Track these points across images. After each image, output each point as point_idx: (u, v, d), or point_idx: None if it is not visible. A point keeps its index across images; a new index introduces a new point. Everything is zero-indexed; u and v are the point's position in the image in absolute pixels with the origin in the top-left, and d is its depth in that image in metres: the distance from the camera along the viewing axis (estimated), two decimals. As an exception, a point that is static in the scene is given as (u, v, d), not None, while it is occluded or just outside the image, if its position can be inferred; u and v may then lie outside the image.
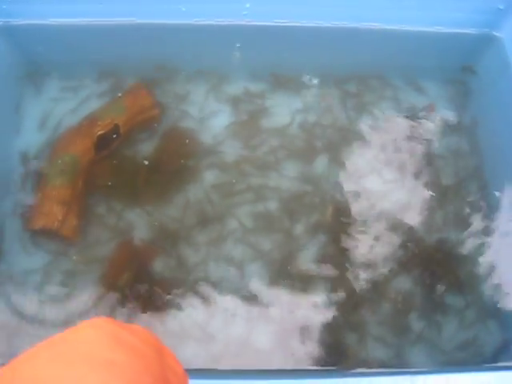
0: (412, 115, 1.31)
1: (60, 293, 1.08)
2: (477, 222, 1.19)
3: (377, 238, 1.16)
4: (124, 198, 1.18)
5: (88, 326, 0.38)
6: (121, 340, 0.38)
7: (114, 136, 1.21)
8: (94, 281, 1.09)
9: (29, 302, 1.07)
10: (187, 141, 1.25)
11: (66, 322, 1.04)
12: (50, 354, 0.35)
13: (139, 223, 1.16)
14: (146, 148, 1.24)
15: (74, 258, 1.12)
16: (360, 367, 1.03)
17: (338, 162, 1.24)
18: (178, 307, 1.07)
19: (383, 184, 1.22)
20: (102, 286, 1.09)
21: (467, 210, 1.21)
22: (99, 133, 1.19)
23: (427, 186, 1.22)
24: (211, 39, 1.33)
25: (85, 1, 1.26)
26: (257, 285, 1.10)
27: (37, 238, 1.13)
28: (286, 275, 1.12)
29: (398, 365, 1.04)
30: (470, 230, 1.18)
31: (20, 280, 1.10)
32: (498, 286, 1.12)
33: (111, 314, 1.06)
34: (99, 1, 1.26)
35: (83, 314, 1.05)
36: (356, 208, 1.19)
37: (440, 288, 1.12)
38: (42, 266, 1.11)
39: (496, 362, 1.05)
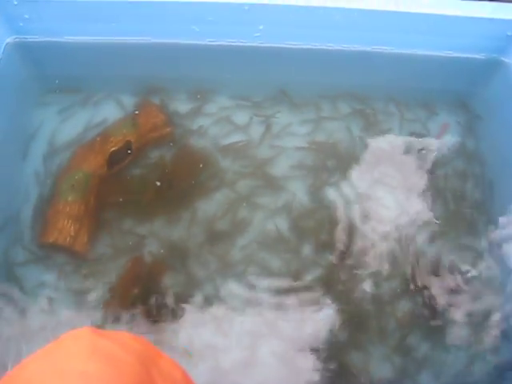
0: (420, 138, 1.32)
1: (70, 307, 1.09)
2: (482, 248, 1.20)
3: (383, 258, 1.17)
4: (135, 215, 1.19)
5: (68, 339, 0.39)
6: (97, 349, 0.38)
7: (127, 153, 1.22)
8: (104, 296, 1.10)
9: (38, 315, 1.08)
10: (198, 159, 1.26)
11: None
12: (33, 368, 0.37)
13: (149, 240, 1.17)
14: (157, 165, 1.25)
15: (85, 272, 1.13)
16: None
17: (346, 182, 1.25)
18: (187, 323, 1.08)
19: (391, 205, 1.23)
20: (111, 302, 1.09)
21: (473, 235, 1.22)
22: (112, 149, 1.21)
23: (434, 208, 1.23)
24: (224, 60, 1.34)
25: (98, 20, 1.28)
26: (263, 302, 1.11)
27: (48, 252, 1.14)
28: (293, 293, 1.12)
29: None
30: (474, 254, 1.19)
31: (31, 293, 1.11)
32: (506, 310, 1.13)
33: (120, 328, 1.06)
34: (113, 20, 1.27)
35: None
36: (363, 228, 1.20)
37: (446, 311, 1.13)
38: (53, 281, 1.12)
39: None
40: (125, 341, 0.42)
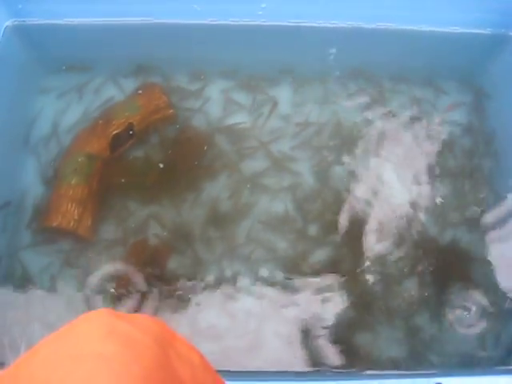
0: (427, 115, 1.31)
1: (75, 291, 1.09)
2: (489, 224, 1.19)
3: (390, 238, 1.16)
4: (138, 197, 1.19)
5: (84, 320, 0.39)
6: (114, 331, 0.38)
7: (130, 135, 1.21)
8: (109, 279, 1.10)
9: (43, 299, 1.08)
10: (202, 140, 1.25)
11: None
12: (46, 352, 0.36)
13: (154, 222, 1.16)
14: (160, 147, 1.24)
15: (89, 256, 1.12)
16: (372, 369, 1.03)
17: (351, 161, 1.24)
18: (192, 305, 1.08)
19: (397, 185, 1.22)
20: (116, 285, 1.09)
21: (480, 211, 1.20)
22: (114, 132, 1.20)
23: (441, 186, 1.22)
24: (226, 39, 1.32)
25: (98, 0, 1.26)
26: (270, 283, 1.11)
27: (52, 236, 1.14)
28: (299, 274, 1.12)
29: (412, 366, 1.04)
30: (482, 230, 1.18)
31: (35, 278, 1.11)
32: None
33: (126, 311, 1.06)
34: (113, 0, 1.26)
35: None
36: (369, 208, 1.19)
37: (453, 288, 1.12)
38: (57, 265, 1.12)
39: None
40: (142, 322, 0.42)
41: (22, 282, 1.10)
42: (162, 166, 1.21)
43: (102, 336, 0.37)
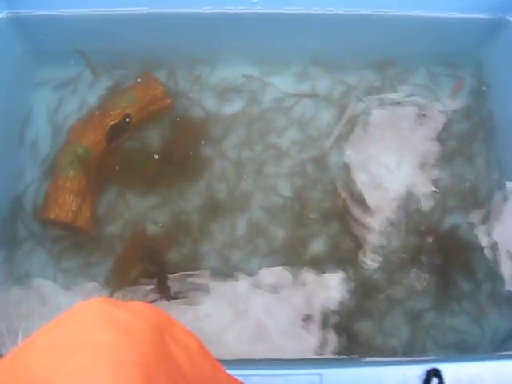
0: (425, 101, 1.30)
1: (74, 283, 1.10)
2: (489, 209, 1.19)
3: (389, 225, 1.16)
4: (136, 188, 1.19)
5: (80, 309, 0.39)
6: (110, 319, 0.38)
7: (127, 126, 1.21)
8: (108, 271, 1.11)
9: (42, 292, 1.09)
10: (199, 130, 1.25)
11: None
12: (43, 342, 0.36)
13: (152, 213, 1.16)
14: (157, 138, 1.24)
15: (88, 248, 1.13)
16: (372, 355, 1.03)
17: (350, 148, 1.24)
18: (192, 296, 1.08)
19: (395, 170, 1.22)
20: (115, 276, 1.10)
21: (479, 197, 1.21)
22: (111, 123, 1.19)
23: (440, 171, 1.22)
24: (221, 28, 1.31)
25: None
26: (270, 272, 1.11)
27: (50, 229, 1.14)
28: (300, 263, 1.12)
29: (411, 353, 1.05)
30: (481, 216, 1.18)
31: (34, 271, 1.11)
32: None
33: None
34: (109, -9, 1.25)
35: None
36: (368, 194, 1.19)
37: (452, 274, 1.12)
38: (56, 257, 1.12)
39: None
40: (138, 309, 0.42)
41: (22, 274, 1.11)
42: (157, 157, 1.21)
43: (98, 324, 0.37)
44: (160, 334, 0.40)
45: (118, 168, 1.19)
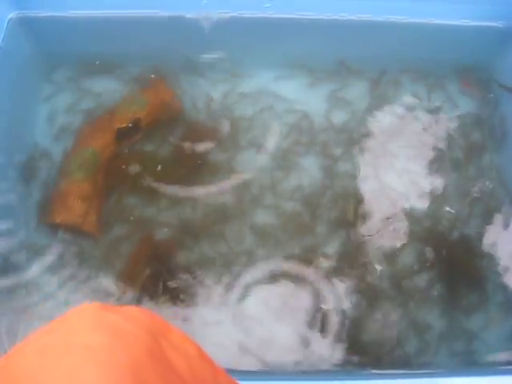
0: (435, 108, 1.29)
1: (80, 287, 1.08)
2: (498, 218, 1.18)
3: (398, 232, 1.15)
4: (144, 193, 1.17)
5: (73, 313, 0.39)
6: (102, 323, 0.38)
7: (135, 129, 1.20)
8: (115, 276, 1.09)
9: (48, 297, 1.07)
10: (209, 135, 1.24)
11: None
12: (36, 345, 0.37)
13: (160, 218, 1.15)
14: (166, 142, 1.23)
15: (94, 252, 1.11)
16: (380, 367, 1.02)
17: (359, 155, 1.23)
18: (199, 301, 1.07)
19: (405, 179, 1.20)
20: (122, 281, 1.08)
21: (490, 205, 1.19)
22: (120, 127, 1.18)
23: (450, 179, 1.21)
24: (234, 32, 1.31)
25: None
26: (278, 280, 1.10)
27: (57, 232, 1.13)
28: (308, 270, 1.11)
29: (420, 365, 1.03)
30: (490, 225, 1.17)
31: (40, 275, 1.09)
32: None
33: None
34: (118, -7, 1.24)
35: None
36: (378, 202, 1.18)
37: (461, 283, 1.11)
38: (63, 261, 1.11)
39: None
40: (132, 314, 0.41)
41: (27, 276, 1.09)
42: (168, 161, 1.20)
43: (90, 328, 0.37)
44: (155, 338, 0.40)
45: (126, 172, 1.18)
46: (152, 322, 0.42)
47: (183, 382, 0.40)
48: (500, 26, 1.31)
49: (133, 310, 0.42)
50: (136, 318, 0.41)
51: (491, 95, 1.31)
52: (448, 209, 1.18)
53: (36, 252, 1.12)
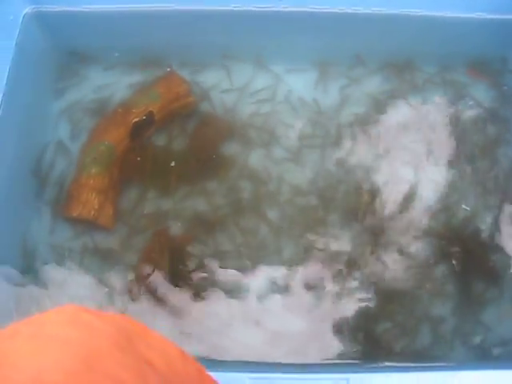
0: (450, 103, 1.29)
1: (95, 281, 1.09)
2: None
3: (411, 226, 1.15)
4: (159, 186, 1.18)
5: (54, 310, 0.41)
6: (77, 320, 0.40)
7: (150, 123, 1.20)
8: (130, 269, 1.10)
9: (64, 290, 1.08)
10: (223, 129, 1.24)
11: (100, 308, 1.05)
12: (10, 330, 0.39)
13: (174, 211, 1.16)
14: (181, 136, 1.24)
15: (110, 246, 1.13)
16: (391, 360, 1.02)
17: (373, 148, 1.23)
18: (213, 295, 1.08)
19: (418, 171, 1.20)
20: (137, 274, 1.09)
21: (504, 199, 1.19)
22: (134, 120, 1.19)
23: (464, 172, 1.21)
24: (249, 26, 1.30)
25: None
26: (291, 273, 1.10)
27: (73, 225, 1.14)
28: (320, 264, 1.11)
29: (433, 358, 1.03)
30: (506, 218, 1.16)
31: (55, 269, 1.11)
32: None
33: (145, 301, 1.07)
34: (132, -13, 1.24)
35: (117, 301, 1.07)
36: (390, 196, 1.18)
37: (475, 278, 1.11)
38: (78, 255, 1.12)
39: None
40: (108, 316, 0.44)
41: (42, 270, 1.10)
42: (182, 154, 1.20)
43: (63, 322, 0.40)
44: (127, 336, 0.42)
45: (140, 166, 1.19)
46: (128, 324, 0.44)
47: (160, 375, 0.41)
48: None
49: (111, 314, 0.44)
50: (112, 320, 0.43)
51: (505, 87, 1.31)
52: (462, 203, 1.17)
53: (53, 247, 1.13)
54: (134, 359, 0.40)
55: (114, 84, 1.29)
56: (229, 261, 1.11)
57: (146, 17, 1.26)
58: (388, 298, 1.09)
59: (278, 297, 1.08)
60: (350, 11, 1.26)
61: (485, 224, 1.16)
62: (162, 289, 1.08)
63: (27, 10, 1.24)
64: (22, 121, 1.19)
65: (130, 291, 1.08)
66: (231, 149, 1.23)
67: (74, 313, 0.41)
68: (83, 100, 1.28)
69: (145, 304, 1.07)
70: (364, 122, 1.26)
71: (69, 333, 0.39)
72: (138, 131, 1.19)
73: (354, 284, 1.09)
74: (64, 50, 1.32)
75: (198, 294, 1.08)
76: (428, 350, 1.05)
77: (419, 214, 1.16)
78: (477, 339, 1.06)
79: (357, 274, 1.10)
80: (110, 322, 0.42)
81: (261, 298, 1.08)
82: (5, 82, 1.13)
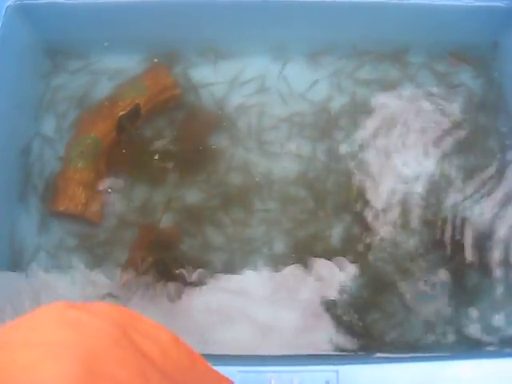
0: (438, 93, 1.28)
1: (83, 276, 1.08)
2: (506, 200, 1.16)
3: (404, 217, 1.14)
4: (146, 180, 1.17)
5: (39, 311, 0.40)
6: (65, 320, 0.39)
7: (136, 116, 1.19)
8: (118, 264, 1.09)
9: (51, 285, 1.07)
10: (211, 121, 1.23)
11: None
12: (1, 339, 0.38)
13: (162, 205, 1.15)
14: (168, 128, 1.22)
15: (97, 240, 1.12)
16: (383, 351, 1.01)
17: (365, 139, 1.22)
18: (203, 289, 1.07)
19: (409, 163, 1.19)
20: (125, 269, 1.08)
21: (497, 188, 1.18)
22: (120, 113, 1.18)
23: (454, 165, 1.20)
24: (233, 17, 1.29)
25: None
26: (282, 265, 1.09)
27: (59, 220, 1.13)
28: (312, 256, 1.10)
29: (425, 348, 1.03)
30: (497, 211, 1.15)
31: (43, 265, 1.10)
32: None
33: (134, 296, 1.06)
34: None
35: (106, 297, 1.06)
36: (383, 186, 1.17)
37: (468, 269, 1.10)
38: (66, 250, 1.11)
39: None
40: (98, 309, 0.43)
41: (30, 267, 1.09)
42: (169, 147, 1.20)
43: (53, 325, 0.39)
44: (122, 329, 0.41)
45: (127, 159, 1.18)
46: (120, 314, 0.43)
47: (157, 368, 0.41)
48: (503, 5, 1.29)
49: (100, 306, 0.43)
50: (101, 313, 0.42)
51: (495, 74, 1.30)
52: (453, 193, 1.17)
53: (40, 243, 1.12)
54: (132, 355, 0.40)
55: (99, 76, 1.28)
56: (218, 254, 1.11)
57: (132, 8, 1.25)
58: (379, 288, 1.08)
59: (267, 289, 1.07)
60: (339, 0, 1.25)
61: (476, 213, 1.15)
62: (151, 283, 1.07)
63: (10, 2, 1.22)
64: (5, 115, 1.18)
65: (118, 286, 1.07)
66: (219, 141, 1.21)
67: (62, 311, 0.40)
68: (69, 93, 1.26)
69: (134, 299, 1.06)
70: (354, 113, 1.25)
71: (61, 335, 0.38)
72: (125, 124, 1.18)
73: (346, 275, 1.08)
74: (48, 42, 1.31)
75: (187, 287, 1.07)
76: (420, 340, 1.04)
77: (411, 205, 1.15)
78: (469, 329, 1.05)
79: (348, 266, 1.09)
80: (101, 316, 0.41)
81: (250, 290, 1.07)
82: (-12, 76, 1.12)
